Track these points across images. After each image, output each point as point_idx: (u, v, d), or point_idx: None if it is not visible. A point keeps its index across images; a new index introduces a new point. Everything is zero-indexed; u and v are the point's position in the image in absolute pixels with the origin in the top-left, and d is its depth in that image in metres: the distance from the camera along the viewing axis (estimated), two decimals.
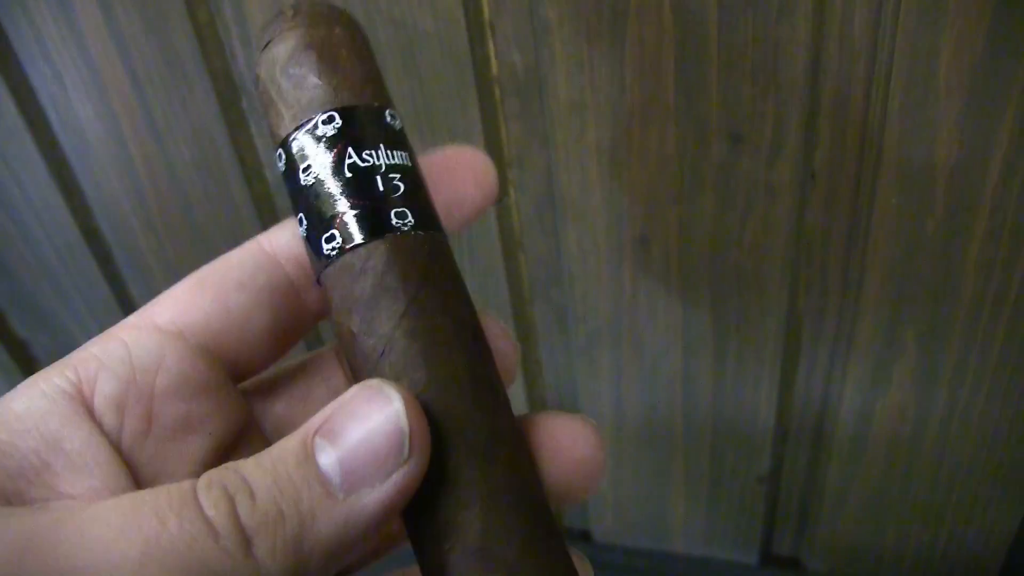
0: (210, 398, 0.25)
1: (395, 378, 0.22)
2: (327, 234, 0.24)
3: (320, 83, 0.25)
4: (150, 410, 0.24)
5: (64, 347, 0.64)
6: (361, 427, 0.20)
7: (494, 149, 0.45)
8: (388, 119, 0.26)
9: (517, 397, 0.58)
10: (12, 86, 0.51)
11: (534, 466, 0.24)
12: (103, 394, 0.23)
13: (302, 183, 0.25)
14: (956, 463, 0.52)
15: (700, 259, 0.46)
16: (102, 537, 0.19)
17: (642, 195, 0.45)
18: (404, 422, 0.20)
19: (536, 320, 0.53)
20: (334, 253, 0.24)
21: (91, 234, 0.58)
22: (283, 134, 0.25)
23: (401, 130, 0.26)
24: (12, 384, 0.63)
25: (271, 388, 0.28)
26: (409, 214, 0.24)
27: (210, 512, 0.19)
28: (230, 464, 0.21)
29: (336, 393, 0.22)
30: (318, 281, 0.25)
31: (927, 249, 0.43)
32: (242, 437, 0.26)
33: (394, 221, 0.24)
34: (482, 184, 0.29)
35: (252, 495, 0.20)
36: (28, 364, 0.70)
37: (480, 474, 0.22)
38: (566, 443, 0.25)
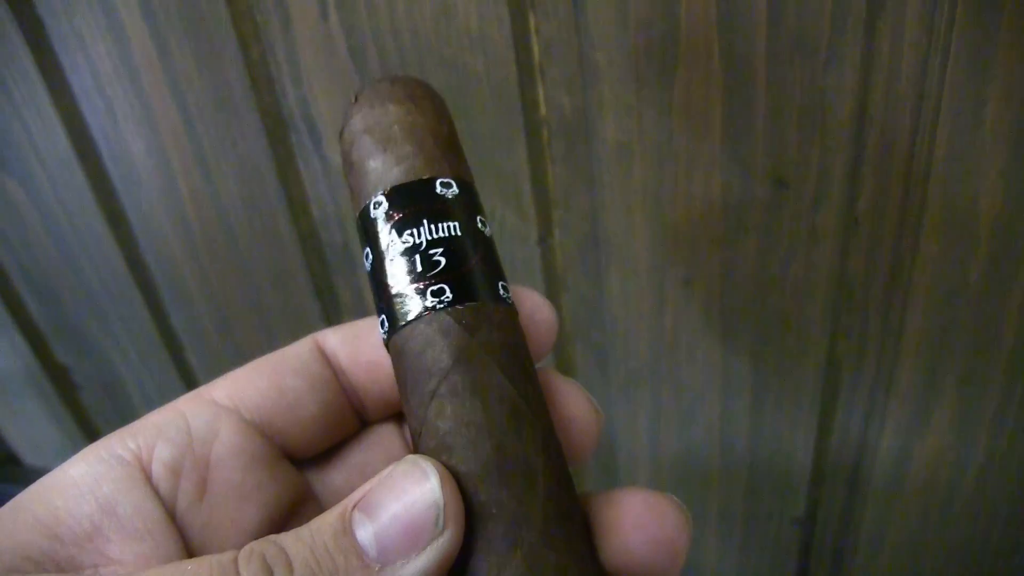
0: (264, 469, 0.25)
1: (434, 456, 0.22)
2: (380, 318, 0.25)
3: (374, 166, 0.26)
4: (205, 477, 0.24)
5: (104, 374, 0.65)
6: (397, 501, 0.21)
7: (539, 189, 0.46)
8: (438, 189, 0.25)
9: None
10: (65, 118, 0.53)
11: (582, 551, 0.23)
12: (160, 460, 0.24)
13: (367, 267, 0.25)
14: (994, 510, 0.52)
15: (742, 302, 0.47)
16: None
17: (686, 238, 0.45)
18: (439, 495, 0.21)
19: (576, 359, 0.53)
20: (385, 337, 0.25)
21: (136, 264, 0.59)
22: (356, 217, 0.26)
23: (455, 197, 0.26)
24: (51, 407, 0.64)
25: (330, 459, 0.28)
26: (448, 289, 0.24)
27: None
28: (271, 536, 0.21)
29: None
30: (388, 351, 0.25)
31: (969, 296, 0.44)
32: (297, 510, 0.26)
33: (428, 301, 0.24)
34: (544, 339, 0.27)
35: (289, 566, 0.20)
36: (69, 389, 0.71)
37: (515, 550, 0.22)
38: (646, 520, 0.24)
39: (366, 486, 0.22)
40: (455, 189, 0.26)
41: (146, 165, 0.53)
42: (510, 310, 0.25)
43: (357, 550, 0.20)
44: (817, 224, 0.43)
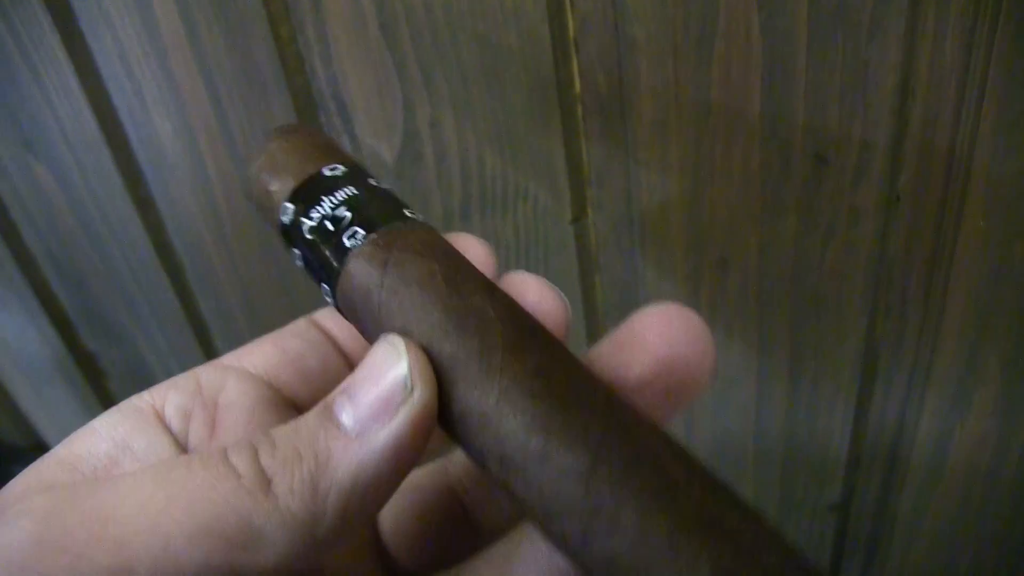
0: (269, 412, 0.27)
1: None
2: (326, 292, 0.26)
3: (274, 188, 0.28)
4: (214, 417, 0.26)
5: (132, 360, 0.65)
6: (370, 376, 0.22)
7: (574, 168, 0.45)
8: (326, 172, 0.27)
9: None
10: (93, 101, 0.52)
11: (559, 352, 0.23)
12: (172, 404, 0.25)
13: (300, 266, 0.27)
14: None
15: (779, 283, 0.46)
16: (133, 486, 0.20)
17: (723, 216, 0.44)
18: (405, 361, 0.22)
19: None
20: (335, 303, 0.26)
21: (163, 249, 0.59)
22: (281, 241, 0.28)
23: (343, 174, 0.27)
24: (79, 395, 0.64)
25: None
26: (359, 229, 0.25)
27: (233, 460, 0.21)
28: (266, 434, 0.22)
29: None
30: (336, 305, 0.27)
31: (1014, 275, 0.43)
32: None
33: (347, 243, 0.25)
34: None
35: (273, 444, 0.21)
36: (96, 376, 0.71)
37: (495, 374, 0.22)
38: (661, 332, 0.23)
39: (350, 376, 0.23)
40: (341, 168, 0.28)
41: (174, 148, 0.52)
42: (424, 226, 0.26)
43: (334, 423, 0.21)
44: (857, 202, 0.42)
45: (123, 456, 0.24)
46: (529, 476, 0.21)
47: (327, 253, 0.26)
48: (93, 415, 0.26)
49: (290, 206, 0.27)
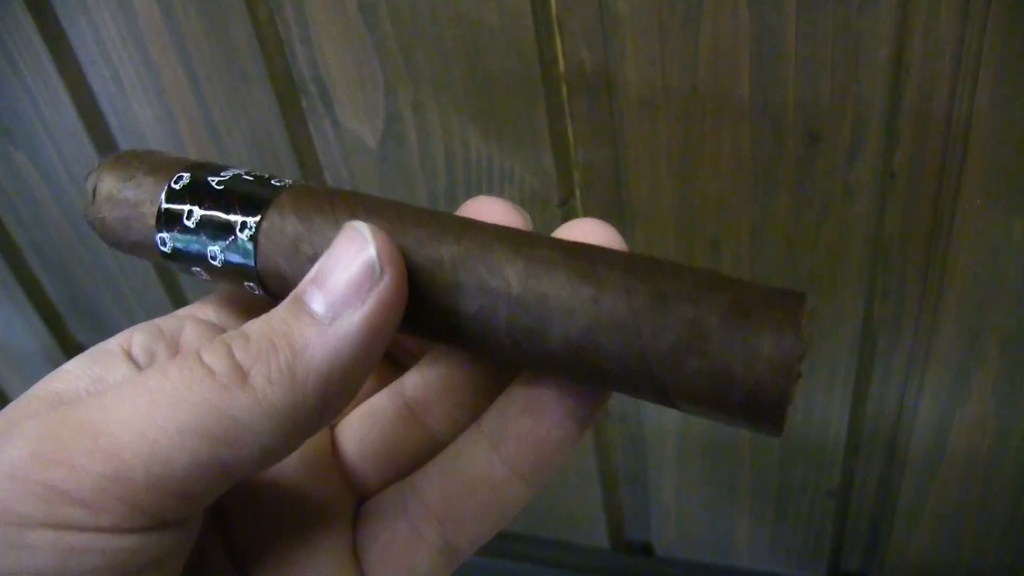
0: None
1: None
2: (250, 285, 0.26)
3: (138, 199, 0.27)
4: (176, 351, 0.26)
5: None
6: (338, 260, 0.22)
7: (560, 149, 0.44)
8: (173, 184, 0.27)
9: None
10: (72, 88, 0.51)
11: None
12: (138, 344, 0.25)
13: (215, 266, 0.26)
14: None
15: (772, 264, 0.45)
16: (116, 398, 0.21)
17: (714, 197, 0.43)
18: (374, 248, 0.22)
19: None
20: (257, 290, 0.26)
21: None
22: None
23: (183, 188, 0.26)
24: None
25: None
26: (249, 220, 0.25)
27: (207, 359, 0.21)
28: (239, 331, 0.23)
29: None
30: (265, 289, 0.26)
31: (1013, 252, 0.41)
32: None
33: (250, 221, 0.25)
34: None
35: (247, 338, 0.22)
36: None
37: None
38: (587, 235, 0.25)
39: (317, 264, 0.23)
40: (186, 175, 0.27)
41: (155, 134, 0.51)
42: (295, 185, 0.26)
43: (306, 312, 0.22)
44: (851, 179, 0.41)
45: (100, 389, 0.24)
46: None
47: (231, 234, 0.25)
48: None
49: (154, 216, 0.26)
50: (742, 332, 0.21)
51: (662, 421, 0.55)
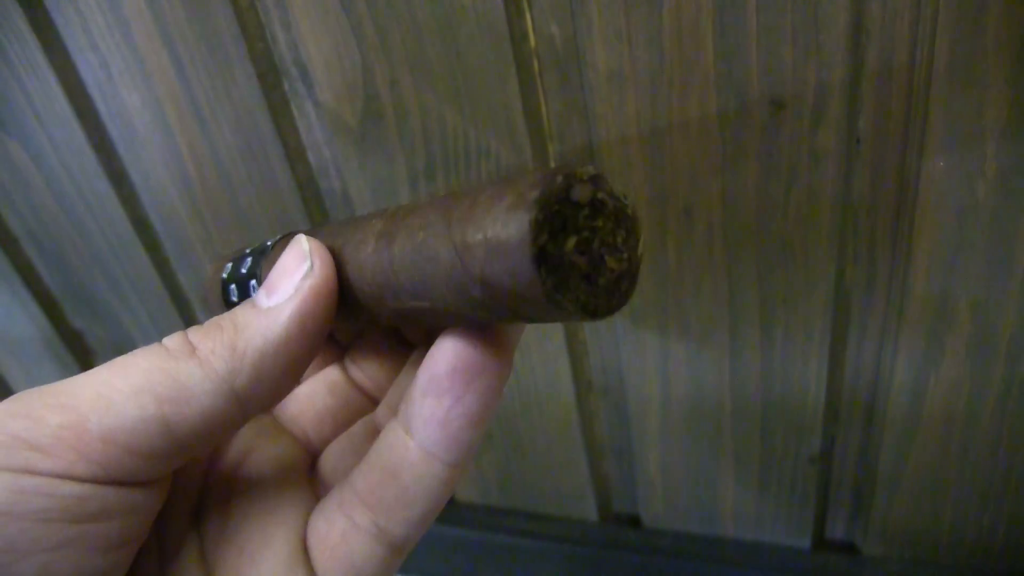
0: None
1: None
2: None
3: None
4: None
5: (117, 337, 0.65)
6: (279, 266, 0.27)
7: (534, 124, 0.45)
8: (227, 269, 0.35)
9: (563, 380, 0.58)
10: (61, 76, 0.52)
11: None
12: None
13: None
14: (1016, 441, 0.50)
15: (744, 231, 0.46)
16: (85, 374, 0.24)
17: (684, 166, 0.44)
18: (306, 245, 0.27)
19: None
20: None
21: (140, 224, 0.59)
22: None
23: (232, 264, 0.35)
24: (68, 374, 0.64)
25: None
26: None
27: (165, 341, 0.25)
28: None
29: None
30: None
31: (978, 215, 0.42)
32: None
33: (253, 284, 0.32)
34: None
35: (200, 325, 0.26)
36: (84, 355, 0.71)
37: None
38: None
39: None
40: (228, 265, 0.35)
41: (143, 120, 0.52)
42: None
43: (251, 302, 0.27)
44: (817, 146, 0.42)
45: None
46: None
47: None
48: None
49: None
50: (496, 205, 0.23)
51: (644, 393, 0.56)
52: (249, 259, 0.33)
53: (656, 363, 0.54)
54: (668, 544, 0.65)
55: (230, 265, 0.34)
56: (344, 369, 0.35)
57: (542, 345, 0.56)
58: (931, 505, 0.56)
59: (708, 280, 0.48)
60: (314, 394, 0.34)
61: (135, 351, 0.25)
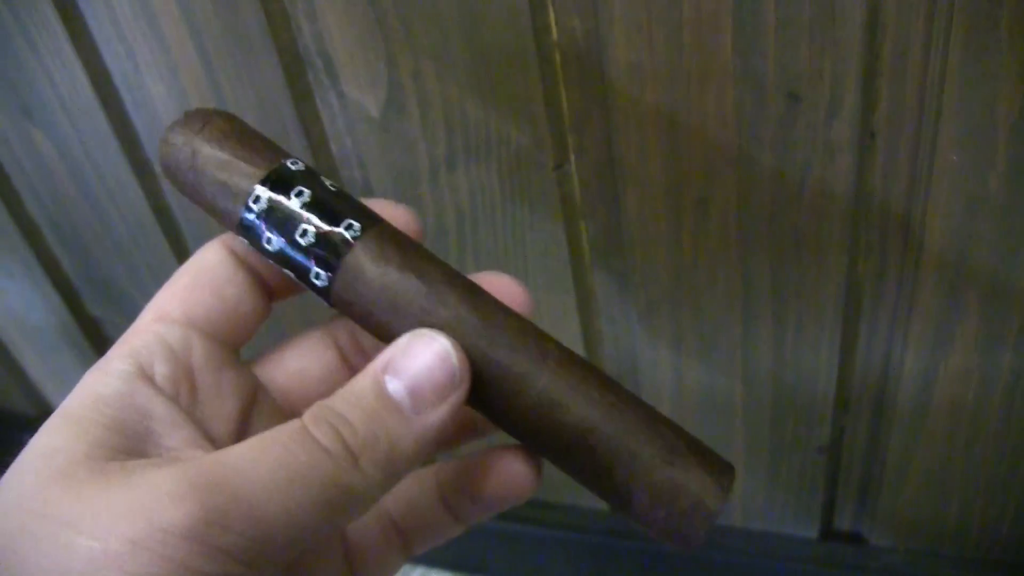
0: (228, 369, 0.31)
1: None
2: (314, 273, 0.30)
3: (232, 166, 0.31)
4: (193, 383, 0.30)
5: None
6: (423, 363, 0.28)
7: (554, 115, 0.46)
8: (290, 165, 0.31)
9: None
10: (87, 66, 0.53)
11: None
12: (161, 374, 0.29)
13: (274, 247, 0.30)
14: (1023, 431, 0.51)
15: (759, 221, 0.47)
16: (258, 472, 0.25)
17: (700, 157, 0.45)
18: (455, 358, 0.28)
19: (596, 289, 0.54)
20: (326, 284, 0.30)
21: (161, 212, 0.60)
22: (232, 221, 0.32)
23: (305, 168, 0.31)
24: (85, 361, 0.65)
25: (271, 362, 0.35)
26: (355, 222, 0.30)
27: (325, 442, 0.26)
28: (321, 403, 0.27)
29: (328, 368, 0.34)
30: (332, 304, 0.31)
31: (989, 207, 0.43)
32: (257, 399, 0.33)
33: (347, 234, 0.30)
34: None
35: (351, 425, 0.27)
36: (101, 343, 0.72)
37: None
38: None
39: (386, 354, 0.28)
40: (301, 163, 0.31)
41: (167, 109, 0.53)
42: (385, 222, 0.31)
43: (396, 407, 0.27)
44: (832, 138, 0.43)
45: (151, 424, 0.28)
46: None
47: (324, 241, 0.29)
48: None
49: (263, 190, 0.30)
50: (689, 474, 0.30)
51: (656, 382, 0.57)
52: (307, 213, 0.30)
53: (669, 352, 0.55)
54: None
55: (262, 194, 0.30)
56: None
57: (556, 335, 0.57)
58: (938, 496, 0.57)
59: (722, 270, 0.49)
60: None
61: (288, 442, 0.26)
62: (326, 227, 0.30)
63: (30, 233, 0.66)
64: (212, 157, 0.31)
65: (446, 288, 0.30)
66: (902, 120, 0.42)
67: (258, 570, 0.24)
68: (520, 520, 0.70)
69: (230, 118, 0.32)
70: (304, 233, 0.30)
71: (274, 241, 0.30)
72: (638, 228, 0.49)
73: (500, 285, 0.33)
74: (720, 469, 0.31)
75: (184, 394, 0.29)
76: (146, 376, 0.28)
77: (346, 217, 0.30)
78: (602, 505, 0.68)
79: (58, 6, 0.51)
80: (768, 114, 0.43)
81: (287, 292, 0.34)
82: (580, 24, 0.43)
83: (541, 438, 0.30)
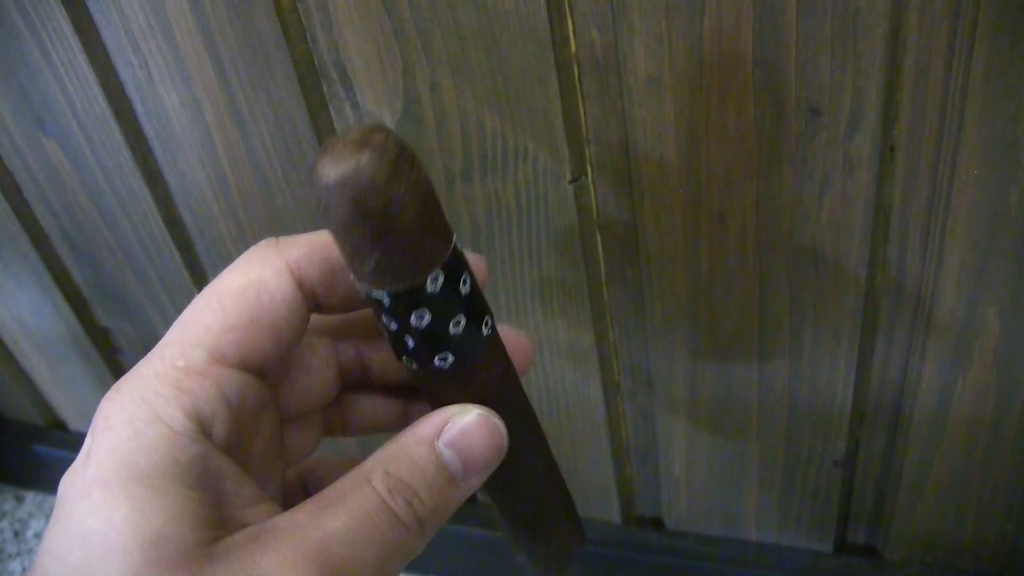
0: (269, 410, 0.31)
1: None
2: (438, 356, 0.30)
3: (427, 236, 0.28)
4: (244, 435, 0.30)
5: (145, 335, 0.66)
6: (481, 443, 0.31)
7: (572, 127, 0.46)
8: (428, 287, 0.28)
9: (592, 382, 0.58)
10: (101, 77, 0.53)
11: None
12: (219, 436, 0.28)
13: (424, 323, 0.29)
14: None
15: (777, 236, 0.47)
16: (358, 551, 0.27)
17: (719, 171, 0.45)
18: (504, 437, 0.31)
19: (611, 302, 0.53)
20: (443, 367, 0.30)
21: (173, 222, 0.60)
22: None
23: (458, 253, 0.30)
24: (94, 371, 0.65)
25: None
26: (490, 319, 0.31)
27: (404, 519, 0.29)
28: (390, 473, 0.29)
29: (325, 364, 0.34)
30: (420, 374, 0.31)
31: (1009, 222, 0.43)
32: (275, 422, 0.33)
33: (484, 331, 0.31)
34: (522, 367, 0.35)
35: (420, 498, 0.29)
36: (110, 353, 0.72)
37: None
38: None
39: (439, 424, 0.30)
40: (454, 246, 0.29)
41: (180, 120, 0.53)
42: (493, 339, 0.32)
43: (452, 478, 0.30)
44: (852, 152, 0.43)
45: (224, 485, 0.28)
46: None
47: (462, 332, 0.30)
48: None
49: (441, 275, 0.28)
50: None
51: (672, 396, 0.57)
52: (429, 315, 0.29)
53: (684, 365, 0.55)
54: (690, 546, 0.65)
55: (439, 276, 0.28)
56: None
57: (572, 347, 0.57)
58: (954, 511, 0.57)
59: (739, 284, 0.49)
60: None
61: (371, 512, 0.28)
62: (471, 322, 0.30)
63: (40, 242, 0.66)
64: (416, 216, 0.27)
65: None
66: (923, 134, 0.42)
67: None
68: None
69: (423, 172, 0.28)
70: (458, 323, 0.29)
71: (425, 319, 0.29)
72: (655, 242, 0.49)
73: (512, 338, 0.34)
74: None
75: (236, 449, 0.29)
76: (207, 433, 0.28)
77: (486, 314, 0.31)
78: (615, 518, 0.68)
79: (72, 17, 0.51)
80: (788, 128, 0.43)
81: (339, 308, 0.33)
82: (599, 37, 0.43)
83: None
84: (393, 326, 0.29)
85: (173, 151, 0.55)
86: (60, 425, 0.86)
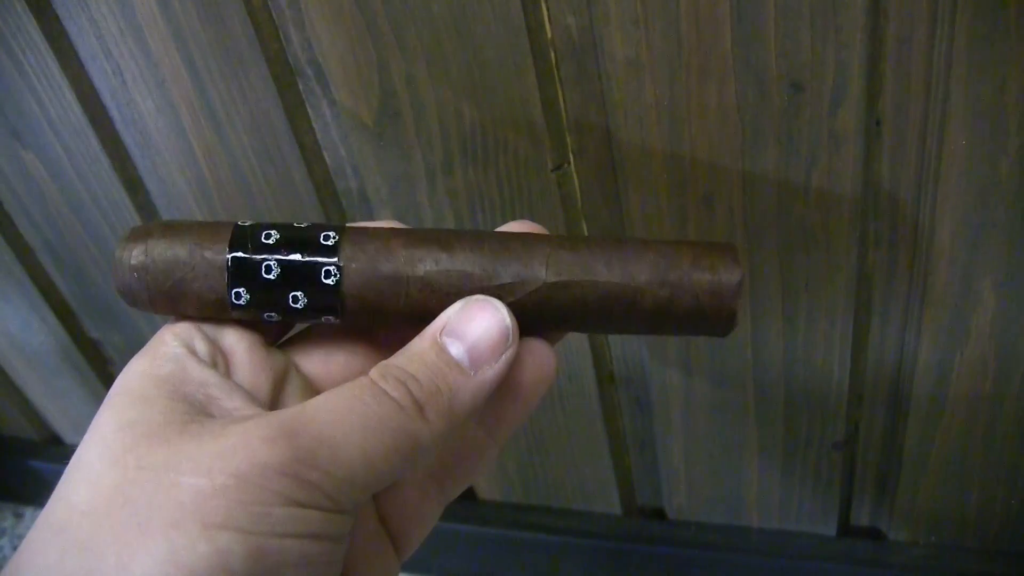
0: (260, 349, 0.33)
1: None
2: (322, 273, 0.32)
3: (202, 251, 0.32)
4: (228, 359, 0.32)
5: (134, 345, 0.65)
6: (480, 326, 0.31)
7: (552, 115, 0.45)
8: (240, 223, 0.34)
9: (585, 372, 0.58)
10: (75, 84, 0.52)
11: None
12: (201, 351, 0.31)
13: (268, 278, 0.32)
14: None
15: (765, 216, 0.46)
16: (337, 420, 0.28)
17: (703, 153, 0.44)
18: (508, 320, 0.31)
19: None
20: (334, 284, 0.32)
21: None
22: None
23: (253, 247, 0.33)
24: (86, 383, 0.65)
25: (299, 345, 0.36)
26: (331, 233, 0.33)
27: (394, 394, 0.29)
28: (386, 363, 0.30)
29: (352, 350, 0.35)
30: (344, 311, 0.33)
31: (1001, 193, 0.42)
32: (287, 377, 0.34)
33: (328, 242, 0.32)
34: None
35: (416, 379, 0.29)
36: (102, 363, 0.72)
37: None
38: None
39: (443, 318, 0.31)
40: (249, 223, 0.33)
41: (157, 125, 0.52)
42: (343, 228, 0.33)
43: (456, 364, 0.30)
44: (837, 127, 0.42)
45: (211, 391, 0.30)
46: None
47: (312, 264, 0.32)
48: (101, 403, 0.29)
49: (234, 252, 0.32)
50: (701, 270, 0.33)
51: (666, 384, 0.56)
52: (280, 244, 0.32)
53: (678, 352, 0.54)
54: (692, 535, 0.65)
55: (255, 245, 0.32)
56: None
57: (563, 338, 0.56)
58: (957, 488, 0.56)
59: None
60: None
61: (363, 394, 0.29)
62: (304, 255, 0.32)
63: (24, 255, 0.65)
64: (171, 250, 0.32)
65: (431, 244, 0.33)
66: (908, 106, 0.41)
67: (340, 506, 0.27)
68: (534, 527, 0.69)
69: (166, 222, 0.34)
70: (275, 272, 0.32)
71: (273, 269, 0.32)
72: (641, 228, 0.48)
73: (534, 348, 0.34)
74: (721, 249, 0.34)
75: (222, 367, 0.31)
76: (193, 352, 0.31)
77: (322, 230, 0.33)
78: (616, 510, 0.67)
79: (42, 25, 0.50)
80: (771, 105, 0.42)
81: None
82: (575, 21, 0.42)
83: (555, 318, 0.33)
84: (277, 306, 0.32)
85: (152, 157, 0.55)
86: (55, 439, 0.85)
